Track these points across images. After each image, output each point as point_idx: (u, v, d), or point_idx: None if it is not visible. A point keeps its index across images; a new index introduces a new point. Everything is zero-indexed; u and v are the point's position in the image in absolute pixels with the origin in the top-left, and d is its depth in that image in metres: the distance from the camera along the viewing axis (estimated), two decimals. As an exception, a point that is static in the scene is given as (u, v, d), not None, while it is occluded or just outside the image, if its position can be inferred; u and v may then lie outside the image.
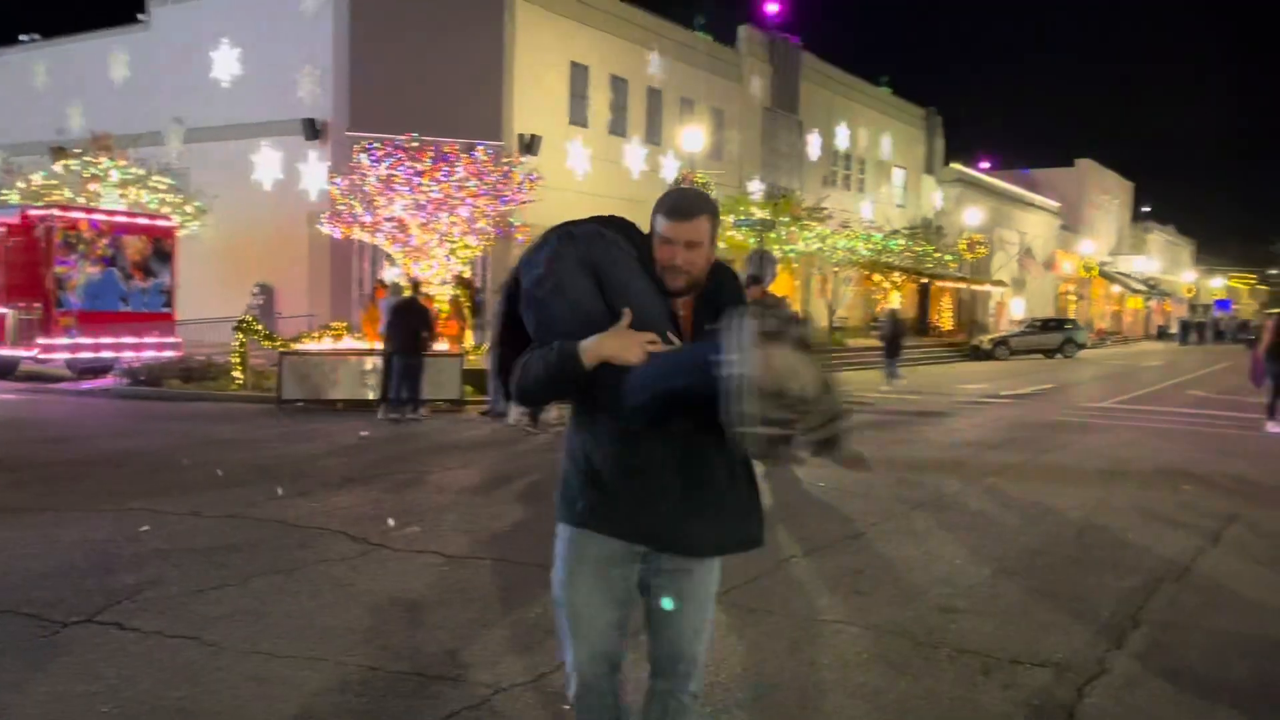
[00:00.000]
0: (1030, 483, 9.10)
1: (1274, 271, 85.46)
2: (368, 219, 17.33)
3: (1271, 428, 13.30)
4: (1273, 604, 5.44)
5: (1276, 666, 4.48)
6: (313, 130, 22.93)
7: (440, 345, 14.57)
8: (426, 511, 7.20)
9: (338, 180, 17.62)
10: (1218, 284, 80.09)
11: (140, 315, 17.84)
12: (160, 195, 21.49)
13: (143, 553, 5.81)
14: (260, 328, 15.48)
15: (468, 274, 18.69)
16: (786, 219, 27.88)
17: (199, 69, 24.70)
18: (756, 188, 31.14)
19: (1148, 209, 72.19)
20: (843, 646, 4.57)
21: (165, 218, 19.50)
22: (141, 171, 21.50)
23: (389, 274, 19.02)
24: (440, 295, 16.79)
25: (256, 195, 23.95)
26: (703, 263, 2.52)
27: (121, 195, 20.88)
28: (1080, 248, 55.78)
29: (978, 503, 8.11)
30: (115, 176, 20.98)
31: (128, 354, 17.15)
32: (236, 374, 15.40)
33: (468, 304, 17.50)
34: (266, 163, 24.06)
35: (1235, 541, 6.91)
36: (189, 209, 21.70)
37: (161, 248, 18.51)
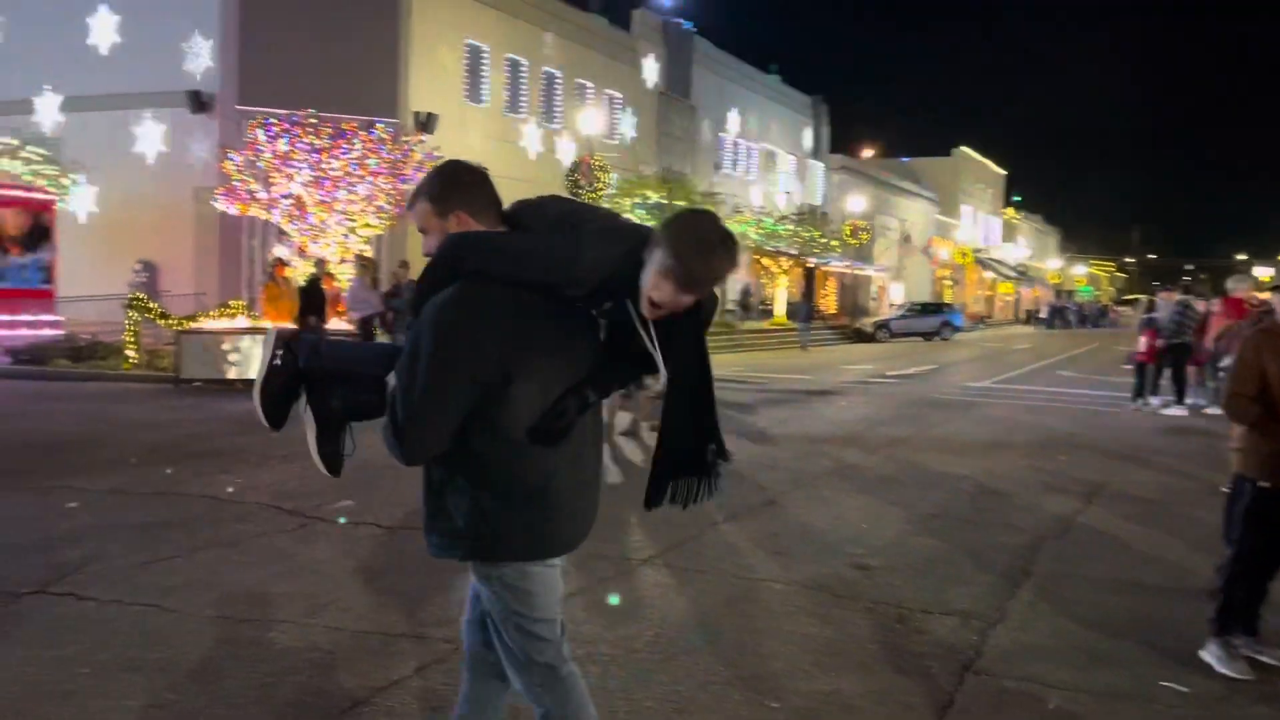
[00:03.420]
0: (923, 454, 9.74)
1: (1131, 260, 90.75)
2: (263, 195, 17.04)
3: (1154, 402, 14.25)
4: (1141, 553, 6.09)
5: (1146, 605, 5.08)
6: (199, 102, 22.26)
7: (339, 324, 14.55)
8: (354, 486, 7.32)
9: (233, 155, 17.23)
10: (1080, 271, 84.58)
11: (17, 291, 17.18)
12: (34, 167, 20.58)
13: (78, 528, 5.82)
14: (155, 306, 15.10)
15: (369, 253, 18.55)
16: (682, 202, 28.37)
17: (74, 34, 23.63)
18: (650, 171, 31.56)
19: (1018, 198, 75.68)
20: (771, 600, 4.98)
21: (43, 190, 18.71)
22: (14, 141, 20.55)
23: (280, 251, 18.73)
24: (341, 275, 16.66)
25: (138, 168, 23.09)
26: None
27: (-8, 166, 19.92)
28: (956, 235, 58.20)
29: (877, 471, 8.68)
30: (-15, 146, 20.00)
31: (5, 332, 16.48)
32: (130, 352, 14.99)
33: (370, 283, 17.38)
34: (149, 135, 23.22)
35: (1107, 503, 7.63)
36: (65, 181, 20.84)
37: (40, 222, 17.83)
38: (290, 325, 2.79)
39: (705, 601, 4.91)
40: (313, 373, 2.53)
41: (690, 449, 2.52)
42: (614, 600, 4.88)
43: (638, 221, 2.55)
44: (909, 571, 5.56)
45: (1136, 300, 26.57)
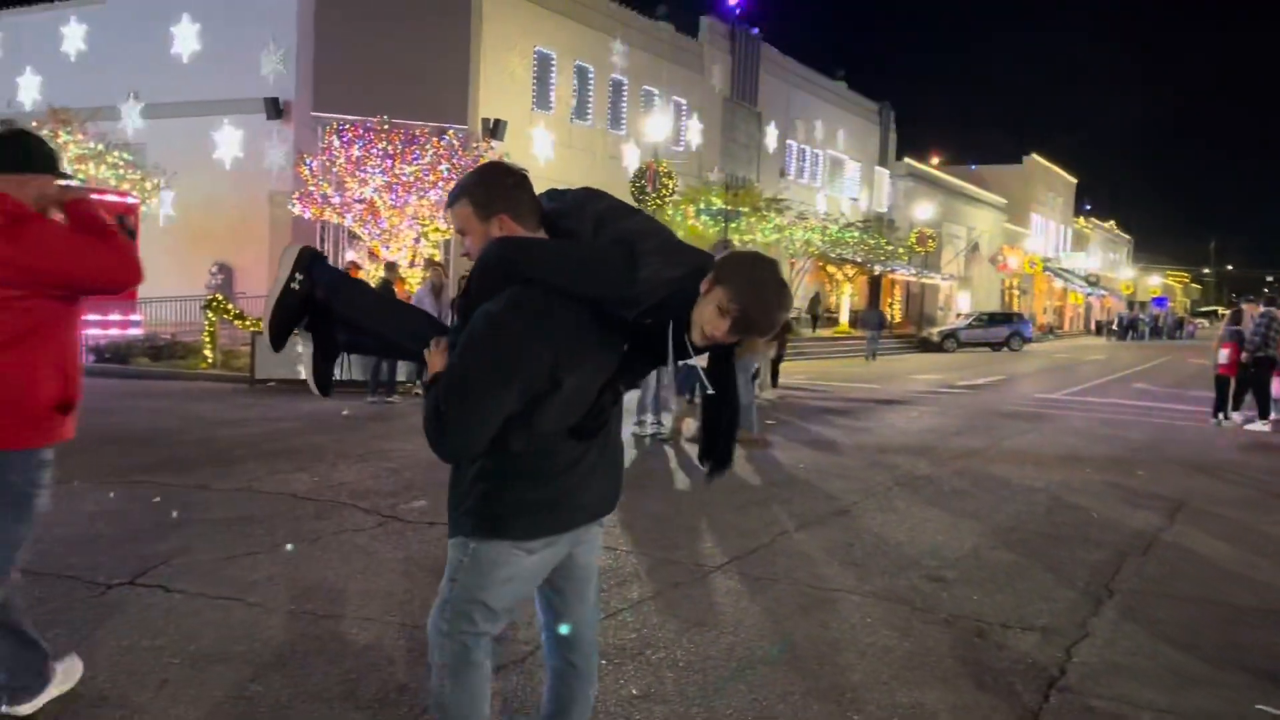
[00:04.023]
0: (996, 465, 9.57)
1: (1208, 270, 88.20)
2: (337, 200, 17.37)
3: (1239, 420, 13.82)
4: (1229, 571, 5.91)
5: (1237, 626, 4.92)
6: (275, 109, 22.78)
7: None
8: (428, 487, 7.42)
9: (308, 160, 17.61)
10: (1155, 281, 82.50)
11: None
12: (118, 171, 21.25)
13: (163, 523, 5.97)
14: (232, 307, 15.48)
15: (438, 257, 18.81)
16: (746, 209, 28.31)
17: (158, 44, 24.38)
18: (715, 178, 31.53)
19: (1089, 206, 74.10)
20: (847, 611, 4.92)
21: (128, 194, 19.28)
22: (99, 147, 21.24)
23: (353, 254, 19.09)
24: (412, 279, 16.91)
25: (216, 173, 23.74)
26: None
27: (78, 170, 20.59)
28: (1025, 243, 57.14)
29: (950, 483, 8.54)
30: (72, 151, 20.70)
31: (91, 331, 17.00)
32: (207, 352, 15.38)
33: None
34: (227, 140, 23.85)
35: (1190, 519, 7.41)
36: (147, 185, 21.49)
37: (124, 224, 18.31)
38: (311, 246, 2.80)
39: (780, 611, 4.88)
40: (325, 306, 2.57)
41: (727, 443, 2.63)
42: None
43: (690, 244, 2.56)
44: (987, 585, 5.46)
45: (1215, 312, 25.76)
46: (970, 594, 5.28)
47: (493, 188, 2.43)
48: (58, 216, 3.15)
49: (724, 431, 2.64)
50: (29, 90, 26.42)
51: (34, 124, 20.69)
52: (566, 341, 2.29)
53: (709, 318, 2.29)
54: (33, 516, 3.20)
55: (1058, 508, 7.68)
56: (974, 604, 5.10)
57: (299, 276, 2.60)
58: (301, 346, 2.69)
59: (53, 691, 3.43)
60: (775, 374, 16.39)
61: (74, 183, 4.06)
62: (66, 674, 3.52)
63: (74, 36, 26.22)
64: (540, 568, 2.52)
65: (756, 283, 2.30)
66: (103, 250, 3.05)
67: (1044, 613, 5.01)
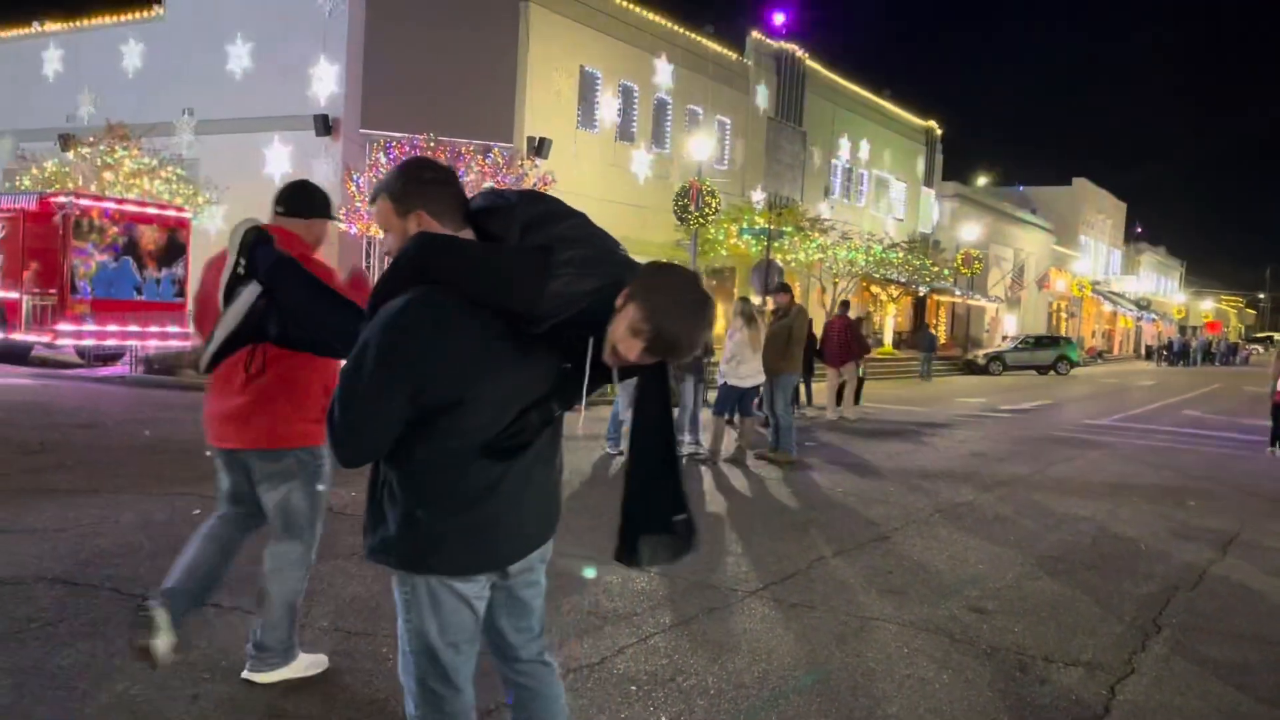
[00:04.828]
0: (1041, 493, 9.38)
1: (1263, 296, 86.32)
2: (383, 216, 17.57)
3: None
4: (1284, 612, 5.72)
5: (1293, 669, 4.75)
6: (325, 126, 23.10)
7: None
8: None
9: (356, 177, 17.83)
10: (1207, 306, 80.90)
11: (153, 304, 17.99)
12: (172, 186, 21.68)
13: (202, 535, 6.01)
14: (277, 321, 15.67)
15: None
16: (790, 228, 28.19)
17: (213, 61, 24.86)
18: (759, 197, 31.45)
19: (1140, 229, 72.96)
20: (884, 641, 4.82)
21: (180, 209, 19.67)
22: (153, 162, 21.69)
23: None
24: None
25: (266, 188, 23.77)
26: None
27: (133, 184, 21.05)
28: (1073, 266, 56.33)
29: (993, 510, 8.38)
30: (127, 166, 21.16)
31: (139, 342, 17.32)
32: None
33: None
34: (276, 157, 24.22)
35: (1243, 553, 7.20)
36: (199, 200, 21.89)
37: (176, 238, 18.67)
38: (258, 224, 2.83)
39: (814, 638, 4.79)
40: (267, 290, 2.53)
41: (659, 510, 2.40)
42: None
43: (619, 250, 2.33)
44: (1030, 617, 5.33)
45: (1270, 338, 25.18)
46: (1012, 625, 5.16)
47: (410, 183, 2.31)
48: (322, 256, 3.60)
49: (664, 495, 2.40)
50: (86, 105, 27.06)
51: (91, 139, 21.26)
52: (468, 353, 2.14)
53: (621, 337, 2.12)
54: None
55: (1104, 538, 7.51)
56: (1016, 636, 4.98)
57: (241, 260, 2.57)
58: (222, 323, 2.61)
59: (289, 673, 3.83)
60: (858, 393, 16.42)
61: (341, 225, 4.64)
62: (314, 664, 3.94)
63: (132, 54, 26.82)
64: (483, 592, 2.39)
65: (674, 299, 2.11)
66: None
67: (1089, 647, 4.87)
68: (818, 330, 16.99)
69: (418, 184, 2.31)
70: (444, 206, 2.30)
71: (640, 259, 2.34)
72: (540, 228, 2.22)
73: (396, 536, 2.27)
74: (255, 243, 2.64)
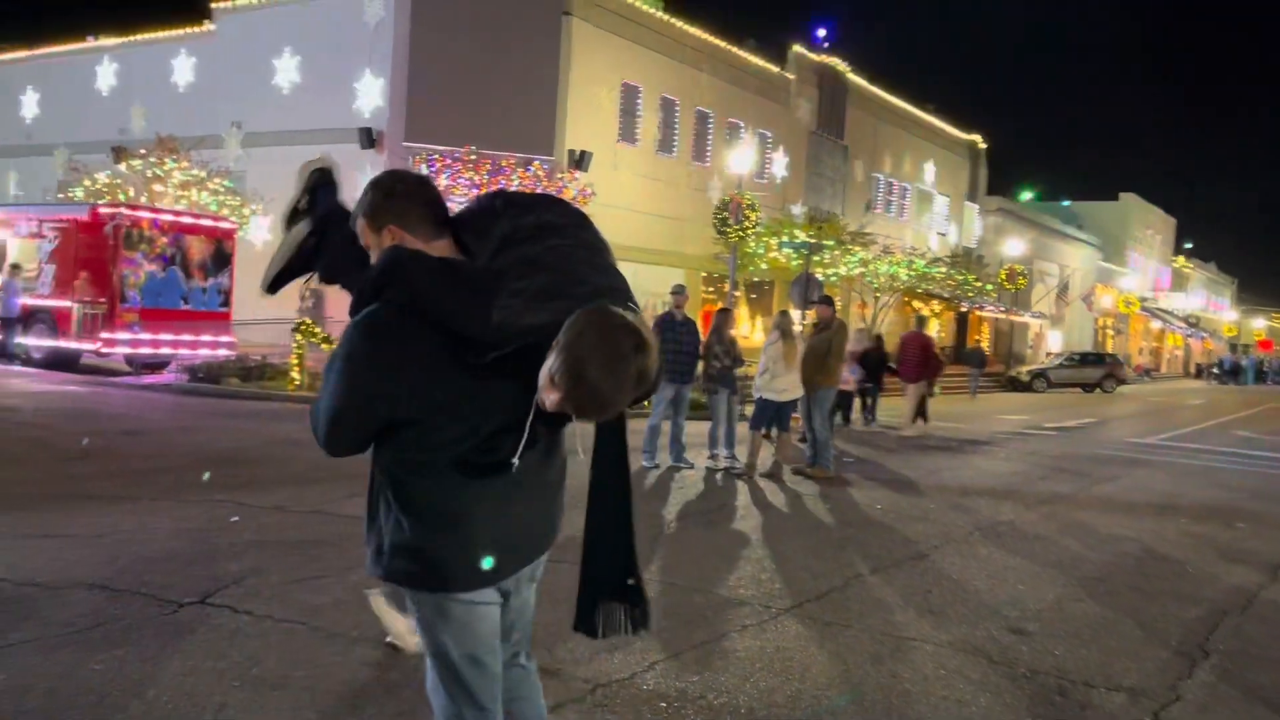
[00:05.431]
0: (1084, 512, 9.19)
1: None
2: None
3: None
4: (1338, 640, 5.53)
5: (1348, 700, 4.58)
6: (369, 139, 23.36)
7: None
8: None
9: (397, 189, 17.98)
10: (1259, 324, 79.19)
11: (199, 314, 18.26)
12: (219, 197, 22.03)
13: (238, 543, 6.06)
14: (319, 331, 15.83)
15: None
16: (831, 242, 28.02)
17: (261, 75, 25.28)
18: (799, 211, 31.31)
19: (1190, 245, 71.69)
20: (921, 661, 4.73)
21: (226, 220, 19.97)
22: (202, 174, 22.05)
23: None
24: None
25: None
26: None
27: (182, 195, 21.42)
28: (1121, 283, 55.44)
29: (1035, 529, 8.22)
30: (177, 178, 21.54)
31: (186, 351, 17.58)
32: (295, 374, 15.74)
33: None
34: (322, 169, 24.53)
35: (1295, 579, 6.98)
36: (245, 211, 22.22)
37: (222, 249, 18.95)
38: (327, 166, 2.82)
39: (849, 658, 4.71)
40: (321, 227, 2.54)
41: (612, 573, 2.37)
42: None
43: (594, 279, 2.16)
44: (1071, 639, 5.20)
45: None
46: (1053, 648, 5.04)
47: (381, 197, 2.27)
48: None
49: (618, 556, 2.38)
50: (138, 118, 27.61)
51: (142, 151, 21.66)
52: (421, 370, 2.09)
53: (543, 381, 2.00)
54: None
55: (1149, 559, 7.33)
56: (1056, 659, 4.86)
57: (305, 197, 2.57)
58: (282, 246, 2.66)
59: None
60: (924, 410, 16.37)
61: None
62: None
63: (183, 68, 27.35)
64: (490, 598, 2.36)
65: (597, 351, 1.95)
66: None
67: (1132, 671, 4.74)
68: (888, 346, 17.12)
69: (386, 198, 2.27)
70: (414, 219, 2.25)
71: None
72: (516, 246, 2.15)
73: (388, 550, 2.26)
74: (318, 184, 2.65)
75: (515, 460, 2.17)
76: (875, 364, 17.35)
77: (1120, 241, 57.15)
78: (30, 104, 30.69)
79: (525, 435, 2.15)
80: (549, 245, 2.17)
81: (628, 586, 2.37)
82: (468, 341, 2.06)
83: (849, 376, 16.73)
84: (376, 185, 2.32)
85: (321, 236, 2.65)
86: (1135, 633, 5.39)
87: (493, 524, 2.25)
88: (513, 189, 17.49)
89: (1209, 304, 73.46)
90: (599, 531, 2.36)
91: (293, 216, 2.69)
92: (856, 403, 17.17)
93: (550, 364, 1.97)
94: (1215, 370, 56.11)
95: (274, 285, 2.80)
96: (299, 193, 2.68)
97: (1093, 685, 4.53)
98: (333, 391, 2.16)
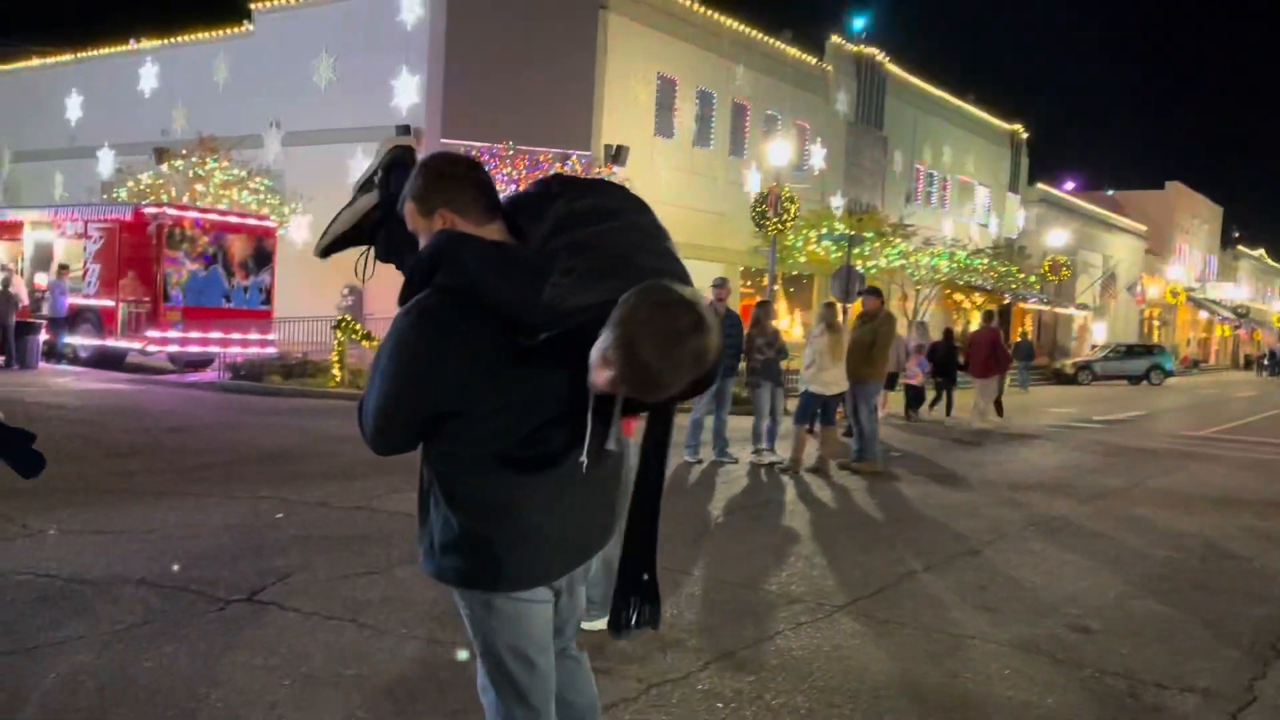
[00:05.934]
0: (1140, 507, 8.96)
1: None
2: (463, 224, 17.70)
3: None
4: None
5: None
6: (406, 136, 23.41)
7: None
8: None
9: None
10: (1310, 314, 77.37)
11: (241, 312, 18.42)
12: (259, 196, 22.22)
13: (283, 539, 6.04)
14: (359, 328, 15.89)
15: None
16: (870, 234, 27.71)
17: (299, 75, 25.43)
18: (838, 203, 31.01)
19: (1238, 234, 70.22)
20: (981, 660, 4.58)
21: (267, 219, 20.12)
22: (242, 173, 22.25)
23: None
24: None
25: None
26: None
27: (223, 195, 21.63)
28: (1167, 272, 54.43)
29: (1090, 524, 8.01)
30: (218, 177, 21.75)
31: (228, 349, 17.73)
32: (336, 371, 15.81)
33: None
34: (360, 167, 24.53)
35: (1367, 575, 6.73)
36: (285, 210, 22.39)
37: (263, 247, 19.09)
38: (409, 147, 2.79)
39: (907, 656, 4.57)
40: (390, 202, 2.48)
41: (634, 567, 2.28)
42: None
43: (648, 260, 2.07)
44: (1136, 638, 5.02)
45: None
46: (1118, 647, 4.86)
47: (431, 180, 2.20)
48: None
49: (645, 548, 2.29)
50: (179, 119, 27.90)
51: (184, 151, 21.90)
52: (470, 360, 2.02)
53: (594, 361, 1.90)
54: None
55: (1212, 555, 7.10)
56: (1123, 659, 4.69)
57: (379, 173, 2.54)
58: (350, 206, 2.64)
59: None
60: (999, 404, 16.27)
61: None
62: None
63: (223, 69, 27.59)
64: (544, 596, 2.28)
65: (652, 328, 1.84)
66: None
67: (1204, 672, 4.56)
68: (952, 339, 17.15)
69: (438, 180, 2.20)
70: (466, 202, 2.17)
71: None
72: (570, 229, 2.08)
73: (438, 548, 2.20)
74: (395, 162, 2.61)
75: (583, 459, 2.06)
76: (946, 358, 17.18)
77: (1166, 230, 56.10)
78: (75, 106, 31.10)
79: (589, 428, 2.05)
80: (604, 228, 2.10)
81: (642, 582, 2.29)
82: (519, 324, 1.97)
83: (917, 371, 16.57)
84: (426, 167, 2.24)
85: (387, 212, 2.58)
86: (1203, 632, 5.20)
87: (544, 520, 2.18)
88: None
89: (1264, 292, 71.91)
90: (636, 520, 2.29)
91: (364, 187, 2.64)
92: (929, 396, 17.03)
93: (602, 340, 1.87)
94: (1266, 362, 54.89)
95: (328, 250, 2.74)
96: (374, 165, 2.64)
97: (1164, 686, 4.36)
98: (381, 383, 2.10)
